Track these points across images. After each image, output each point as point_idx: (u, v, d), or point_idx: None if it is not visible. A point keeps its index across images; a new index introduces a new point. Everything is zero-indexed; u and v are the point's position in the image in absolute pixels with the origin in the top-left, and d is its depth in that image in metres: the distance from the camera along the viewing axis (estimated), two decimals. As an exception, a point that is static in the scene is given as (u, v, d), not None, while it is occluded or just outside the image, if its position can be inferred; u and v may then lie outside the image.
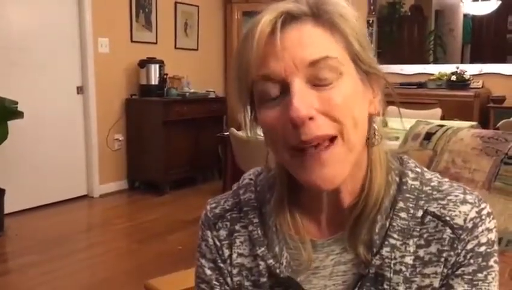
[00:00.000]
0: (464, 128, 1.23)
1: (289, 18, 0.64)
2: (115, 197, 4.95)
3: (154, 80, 5.03)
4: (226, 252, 0.77)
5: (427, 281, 0.68)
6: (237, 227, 0.77)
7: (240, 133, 3.66)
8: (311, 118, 0.62)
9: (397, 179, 0.72)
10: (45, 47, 4.42)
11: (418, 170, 0.73)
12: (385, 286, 0.68)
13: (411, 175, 0.72)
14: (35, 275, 3.09)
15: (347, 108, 0.63)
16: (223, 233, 0.78)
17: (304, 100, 0.61)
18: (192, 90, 5.42)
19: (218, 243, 0.78)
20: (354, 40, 0.65)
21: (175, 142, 5.02)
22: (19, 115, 3.77)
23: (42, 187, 4.43)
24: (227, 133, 3.85)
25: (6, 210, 3.93)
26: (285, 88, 0.63)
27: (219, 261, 0.78)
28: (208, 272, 0.78)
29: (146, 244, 3.64)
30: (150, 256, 3.40)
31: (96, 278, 3.10)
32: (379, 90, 0.70)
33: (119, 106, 5.07)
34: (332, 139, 0.63)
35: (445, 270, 0.67)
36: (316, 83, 0.63)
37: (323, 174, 0.64)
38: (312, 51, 0.62)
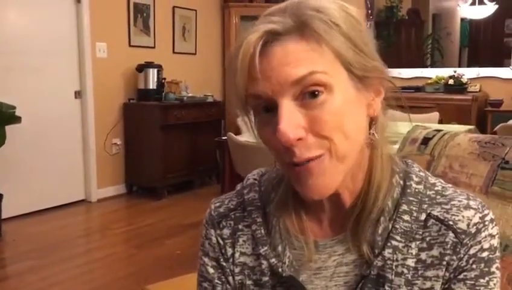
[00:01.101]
0: (461, 133, 1.23)
1: (271, 37, 0.62)
2: (113, 201, 4.94)
3: (152, 84, 5.03)
4: (229, 251, 0.78)
5: (428, 284, 0.68)
6: (240, 226, 0.78)
7: (238, 138, 3.66)
8: (299, 139, 0.62)
9: (401, 182, 0.72)
10: (43, 52, 4.42)
11: (422, 174, 0.74)
12: (386, 288, 0.68)
13: (415, 179, 0.72)
14: (33, 281, 3.08)
15: (336, 123, 0.63)
16: (226, 232, 0.79)
17: (291, 122, 0.62)
18: (190, 95, 5.42)
19: (221, 242, 0.79)
20: (345, 47, 0.63)
21: (173, 147, 5.03)
22: (16, 119, 3.77)
23: (40, 192, 4.42)
24: (225, 137, 3.85)
25: (4, 215, 3.93)
26: (275, 106, 0.63)
27: (222, 259, 0.78)
28: (211, 270, 0.79)
29: (144, 249, 3.64)
30: (148, 261, 3.40)
31: (95, 284, 3.09)
32: (382, 90, 0.69)
33: (117, 110, 5.07)
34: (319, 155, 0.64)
35: (447, 274, 0.68)
36: (304, 99, 0.62)
37: (312, 186, 0.65)
38: (297, 68, 0.61)
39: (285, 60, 0.61)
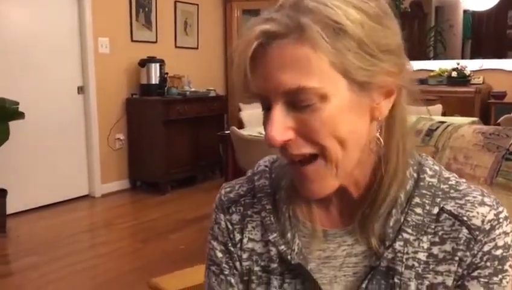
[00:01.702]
0: (465, 125, 1.23)
1: (266, 39, 0.60)
2: (116, 196, 4.95)
3: (155, 79, 5.03)
4: (237, 237, 0.78)
5: (439, 278, 0.68)
6: (250, 212, 0.78)
7: (241, 132, 3.66)
8: (289, 140, 0.63)
9: (415, 175, 0.71)
10: (46, 47, 4.42)
11: (437, 168, 0.73)
12: (396, 280, 0.68)
13: (429, 172, 0.71)
14: (38, 276, 3.10)
15: (328, 130, 0.62)
16: (235, 217, 0.79)
17: (280, 126, 0.62)
18: (192, 89, 5.42)
19: (230, 227, 0.79)
20: (344, 53, 0.60)
21: (176, 141, 5.03)
22: (20, 115, 3.77)
23: (44, 187, 4.43)
24: (228, 131, 3.85)
25: (8, 211, 3.94)
26: (270, 105, 0.64)
27: (230, 244, 0.79)
28: (219, 254, 0.80)
29: (148, 244, 3.65)
30: (153, 255, 3.41)
31: (99, 279, 3.10)
32: (395, 90, 0.66)
33: (120, 106, 5.07)
34: (314, 156, 0.64)
35: (459, 270, 0.67)
36: (296, 105, 0.62)
37: (309, 188, 0.67)
38: (290, 77, 0.60)
39: (279, 64, 0.60)
